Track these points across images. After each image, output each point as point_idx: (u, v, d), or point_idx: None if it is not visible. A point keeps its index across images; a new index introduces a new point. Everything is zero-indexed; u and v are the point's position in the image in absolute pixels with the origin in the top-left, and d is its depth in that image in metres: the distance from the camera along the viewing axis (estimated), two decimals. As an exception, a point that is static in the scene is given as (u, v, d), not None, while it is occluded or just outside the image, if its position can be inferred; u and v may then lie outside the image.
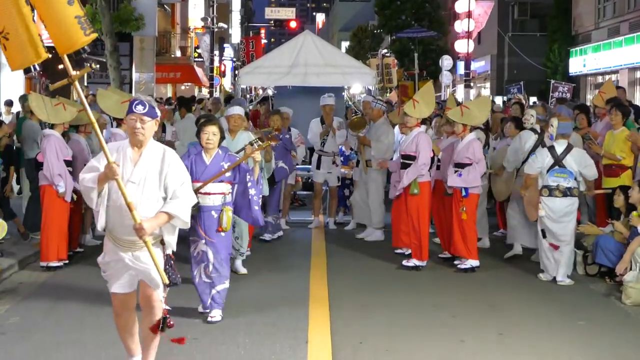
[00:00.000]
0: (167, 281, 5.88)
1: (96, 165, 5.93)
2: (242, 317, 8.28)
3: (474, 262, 10.56)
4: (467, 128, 10.66)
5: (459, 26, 37.97)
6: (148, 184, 5.93)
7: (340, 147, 14.03)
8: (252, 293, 9.34)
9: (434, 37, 43.50)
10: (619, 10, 32.57)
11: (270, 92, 21.34)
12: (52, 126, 10.56)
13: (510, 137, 11.97)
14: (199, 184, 7.93)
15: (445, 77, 36.10)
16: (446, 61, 36.16)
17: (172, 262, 6.03)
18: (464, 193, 10.52)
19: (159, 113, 6.08)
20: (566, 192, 9.96)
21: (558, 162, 10.00)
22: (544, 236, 10.07)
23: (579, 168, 10.02)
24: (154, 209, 5.92)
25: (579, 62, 35.76)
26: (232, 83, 55.97)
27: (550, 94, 20.07)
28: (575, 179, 10.04)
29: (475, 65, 43.15)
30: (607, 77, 33.33)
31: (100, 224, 5.97)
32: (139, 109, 5.92)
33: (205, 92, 46.75)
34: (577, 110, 13.06)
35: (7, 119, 17.92)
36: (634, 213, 9.64)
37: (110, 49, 24.06)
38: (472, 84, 39.27)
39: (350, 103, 18.41)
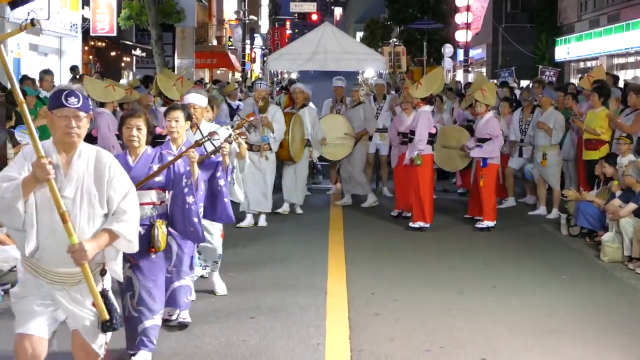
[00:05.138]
0: (106, 316, 3.97)
1: (13, 175, 3.91)
2: (269, 271, 8.29)
3: (490, 223, 10.64)
4: (488, 108, 10.78)
5: (459, 18, 37.75)
6: (85, 198, 4.01)
7: None
8: (278, 249, 9.35)
9: (439, 28, 43.32)
10: (599, 5, 32.38)
11: (294, 76, 21.29)
12: (102, 104, 10.49)
13: (504, 116, 12.29)
14: None
15: (447, 63, 35.85)
16: (448, 49, 35.91)
17: (111, 300, 4.06)
18: (482, 164, 10.67)
19: (91, 104, 4.24)
20: None
21: None
22: None
23: None
24: (95, 230, 4.04)
25: (564, 50, 35.57)
26: (261, 68, 55.89)
27: (539, 77, 19.96)
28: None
29: (472, 53, 43.00)
30: (588, 63, 33.20)
31: (29, 248, 3.94)
32: (72, 101, 3.92)
33: (238, 76, 46.79)
34: (562, 92, 12.88)
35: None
36: (614, 182, 9.58)
37: (155, 38, 24.14)
38: (470, 69, 39.12)
39: (364, 85, 18.33)
